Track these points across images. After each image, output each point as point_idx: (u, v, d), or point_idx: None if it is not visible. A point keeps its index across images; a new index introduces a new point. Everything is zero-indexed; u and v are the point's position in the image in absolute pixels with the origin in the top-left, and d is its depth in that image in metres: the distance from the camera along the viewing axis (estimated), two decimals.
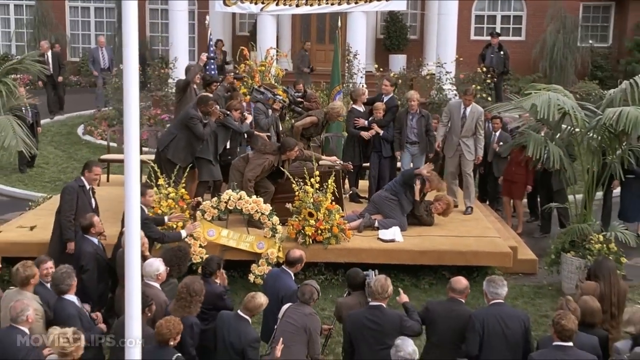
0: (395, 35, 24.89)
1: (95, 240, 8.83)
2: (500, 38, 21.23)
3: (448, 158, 12.57)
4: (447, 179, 12.68)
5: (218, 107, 11.21)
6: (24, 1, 25.99)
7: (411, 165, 12.53)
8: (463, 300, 7.26)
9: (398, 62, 23.51)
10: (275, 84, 13.99)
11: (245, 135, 11.87)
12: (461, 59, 19.78)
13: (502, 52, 20.18)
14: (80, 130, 19.12)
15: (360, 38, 19.73)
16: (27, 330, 6.59)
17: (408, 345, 6.12)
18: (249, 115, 11.90)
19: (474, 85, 17.76)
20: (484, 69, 19.15)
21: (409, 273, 10.73)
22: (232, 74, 13.57)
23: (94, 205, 9.80)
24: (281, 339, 6.95)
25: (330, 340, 8.07)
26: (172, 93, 18.17)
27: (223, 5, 19.01)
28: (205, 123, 10.93)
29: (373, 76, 19.65)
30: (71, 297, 7.35)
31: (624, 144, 10.59)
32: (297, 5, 19.00)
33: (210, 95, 11.81)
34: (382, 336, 6.86)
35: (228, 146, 11.68)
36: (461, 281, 7.27)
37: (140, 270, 5.27)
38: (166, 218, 9.89)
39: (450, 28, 20.02)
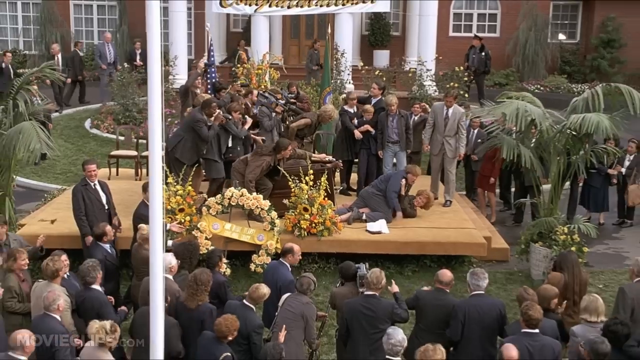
0: (379, 32, 25.07)
1: (107, 247, 9.13)
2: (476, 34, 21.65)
3: (433, 155, 12.93)
4: (432, 175, 13.13)
5: (221, 112, 11.53)
6: None
7: (394, 161, 12.97)
8: (448, 291, 7.71)
9: (382, 57, 23.79)
10: (276, 87, 14.26)
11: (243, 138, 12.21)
12: (440, 57, 20.12)
13: (483, 53, 20.32)
14: (87, 124, 19.21)
15: (347, 37, 19.90)
16: (58, 317, 7.04)
17: (398, 334, 6.50)
18: (249, 118, 12.24)
19: (452, 83, 18.22)
20: (462, 68, 19.51)
21: (394, 262, 11.10)
22: (238, 83, 13.84)
23: (104, 200, 10.14)
24: (284, 325, 7.33)
25: (324, 325, 8.47)
26: (172, 89, 18.50)
27: (219, 6, 19.11)
28: (209, 126, 11.26)
29: (359, 71, 19.93)
30: (97, 287, 7.76)
31: (585, 145, 11.05)
32: (289, 7, 19.14)
33: (214, 98, 12.15)
34: (376, 321, 7.28)
35: (230, 145, 12.04)
36: (447, 274, 7.72)
37: (162, 267, 5.51)
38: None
39: (430, 28, 20.13)
